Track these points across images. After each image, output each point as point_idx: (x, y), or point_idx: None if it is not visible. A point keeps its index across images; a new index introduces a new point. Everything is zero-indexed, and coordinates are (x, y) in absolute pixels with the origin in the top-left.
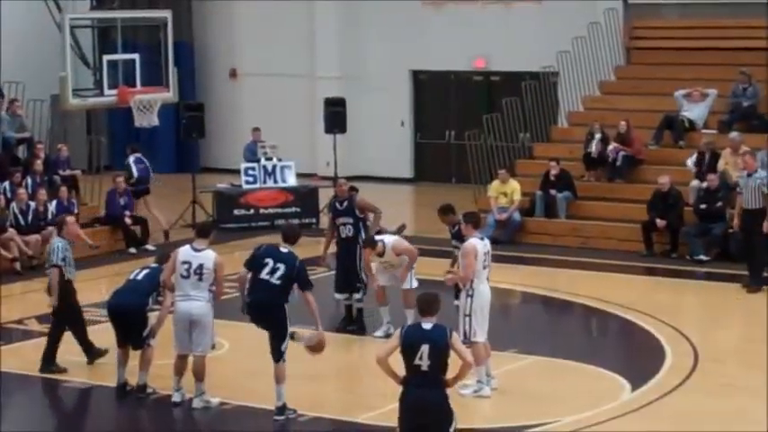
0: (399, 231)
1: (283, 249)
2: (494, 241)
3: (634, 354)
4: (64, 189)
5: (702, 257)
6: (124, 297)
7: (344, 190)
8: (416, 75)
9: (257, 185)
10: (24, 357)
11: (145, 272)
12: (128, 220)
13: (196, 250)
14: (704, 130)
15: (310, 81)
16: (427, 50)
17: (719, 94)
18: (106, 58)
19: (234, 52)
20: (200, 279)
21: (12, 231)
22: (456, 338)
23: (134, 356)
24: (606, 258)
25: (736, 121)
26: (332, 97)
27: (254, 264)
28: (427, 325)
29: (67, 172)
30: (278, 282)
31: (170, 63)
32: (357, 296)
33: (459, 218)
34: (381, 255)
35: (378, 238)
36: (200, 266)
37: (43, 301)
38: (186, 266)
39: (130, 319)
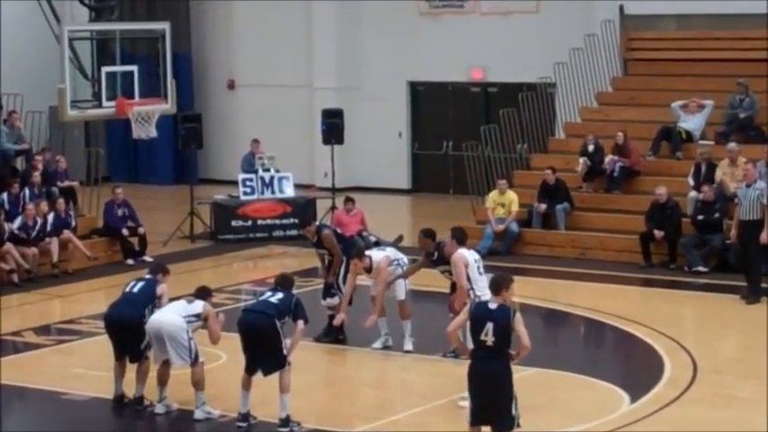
0: (397, 242)
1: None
2: (492, 252)
3: (633, 365)
4: (61, 201)
5: (701, 268)
6: (121, 309)
7: (312, 231)
8: (414, 86)
9: (255, 197)
10: (22, 369)
11: (140, 284)
12: (125, 232)
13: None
14: (701, 142)
15: (308, 92)
16: (425, 62)
17: (716, 105)
18: (105, 69)
19: (232, 63)
20: (189, 303)
21: (9, 244)
22: (518, 320)
23: (131, 369)
24: (604, 270)
25: (733, 132)
26: (330, 108)
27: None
28: (493, 305)
29: (65, 183)
30: (276, 301)
31: (168, 74)
32: (331, 300)
33: (435, 243)
34: (369, 270)
35: (368, 252)
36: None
37: (41, 313)
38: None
39: (128, 331)
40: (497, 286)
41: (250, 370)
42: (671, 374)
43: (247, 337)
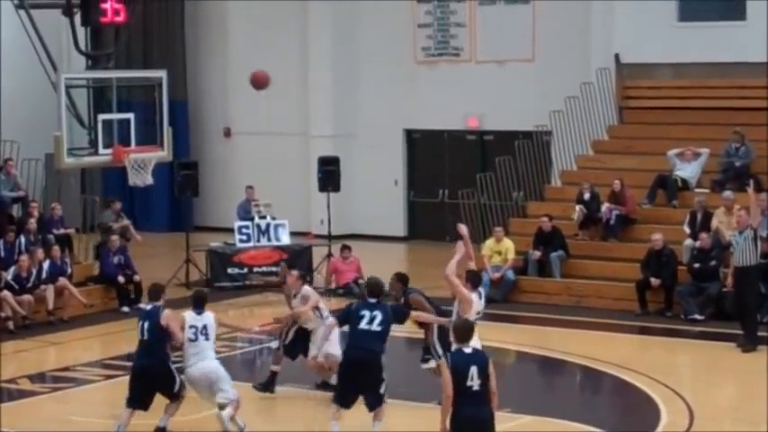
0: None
1: (374, 301)
2: (488, 300)
3: (629, 413)
4: (57, 248)
5: (697, 316)
6: (145, 361)
7: (293, 277)
8: (410, 133)
9: (251, 244)
10: (17, 417)
11: (147, 325)
12: (121, 279)
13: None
14: (697, 190)
15: (304, 140)
16: (421, 109)
17: (712, 153)
18: (101, 117)
19: (228, 111)
20: (207, 339)
21: (5, 291)
22: (491, 366)
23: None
24: (600, 317)
25: (729, 180)
26: (326, 156)
27: (353, 318)
28: (467, 349)
29: (61, 231)
30: (379, 329)
31: (165, 122)
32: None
33: (405, 289)
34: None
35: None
36: (205, 327)
37: (36, 360)
38: (193, 330)
39: (158, 379)
40: (467, 334)
41: (349, 404)
42: (667, 422)
43: (355, 372)
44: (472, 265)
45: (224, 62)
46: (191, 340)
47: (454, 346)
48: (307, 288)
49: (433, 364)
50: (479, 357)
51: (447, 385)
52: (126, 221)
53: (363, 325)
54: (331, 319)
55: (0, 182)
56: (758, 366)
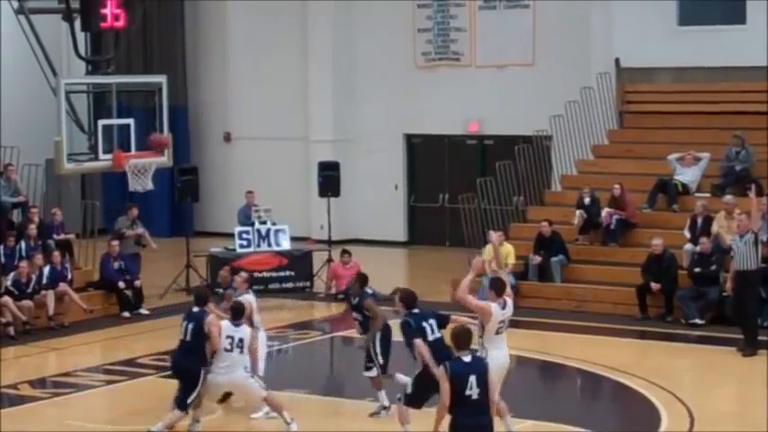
0: (394, 296)
1: (417, 310)
2: None
3: (629, 417)
4: (57, 253)
5: (697, 321)
6: (181, 359)
7: (240, 278)
8: (410, 138)
9: (251, 249)
10: (18, 422)
11: (191, 327)
12: (122, 285)
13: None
14: (697, 194)
15: (304, 144)
16: (421, 114)
17: (713, 157)
18: (101, 122)
19: (228, 116)
20: (242, 352)
21: (6, 297)
22: (491, 374)
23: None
24: (600, 322)
25: (729, 184)
26: (326, 161)
27: (420, 333)
28: (467, 358)
29: (62, 236)
30: (441, 334)
31: (165, 127)
32: None
33: (362, 291)
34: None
35: (244, 298)
36: (241, 340)
37: (37, 365)
38: (229, 341)
39: (186, 380)
40: (466, 340)
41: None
42: (667, 426)
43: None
44: (503, 274)
45: (224, 67)
46: (226, 350)
47: (454, 355)
48: (248, 297)
49: (374, 372)
50: (478, 366)
51: (444, 395)
52: (141, 229)
53: (431, 337)
54: (418, 340)
55: (0, 187)
56: (758, 371)
